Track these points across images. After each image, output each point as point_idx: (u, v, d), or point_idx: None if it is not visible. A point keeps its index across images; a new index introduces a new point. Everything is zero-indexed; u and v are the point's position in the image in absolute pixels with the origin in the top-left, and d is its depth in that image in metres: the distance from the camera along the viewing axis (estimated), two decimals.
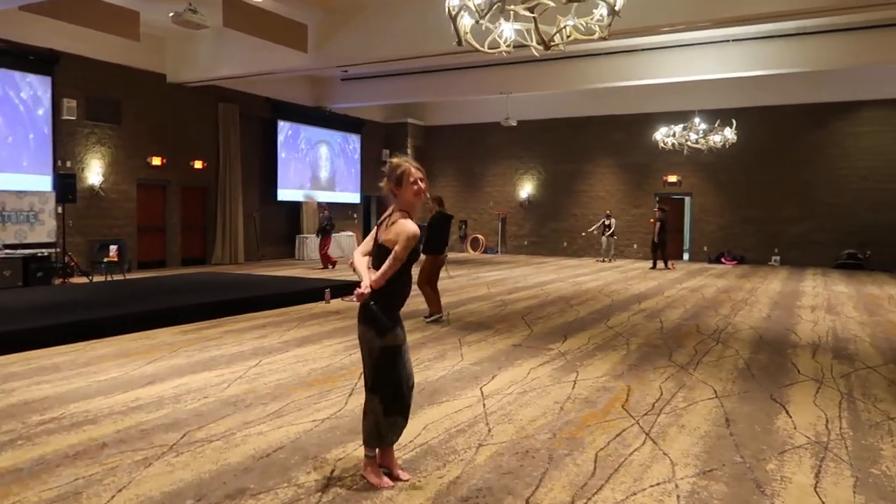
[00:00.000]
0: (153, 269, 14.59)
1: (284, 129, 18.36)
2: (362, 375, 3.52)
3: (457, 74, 17.64)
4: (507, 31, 7.10)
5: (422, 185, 3.41)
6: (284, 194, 18.43)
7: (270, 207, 18.27)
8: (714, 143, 15.60)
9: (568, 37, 6.89)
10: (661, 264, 16.83)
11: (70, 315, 7.26)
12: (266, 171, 18.09)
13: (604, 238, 19.14)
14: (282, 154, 18.27)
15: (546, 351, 6.59)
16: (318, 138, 19.59)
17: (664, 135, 15.79)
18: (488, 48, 7.26)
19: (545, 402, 4.80)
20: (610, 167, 20.76)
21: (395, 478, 3.37)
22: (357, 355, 6.23)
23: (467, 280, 13.51)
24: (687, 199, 19.94)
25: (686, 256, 19.96)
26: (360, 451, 3.70)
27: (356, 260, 3.46)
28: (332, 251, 16.36)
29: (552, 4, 6.15)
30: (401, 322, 3.38)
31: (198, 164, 16.07)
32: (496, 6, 6.04)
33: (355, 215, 21.65)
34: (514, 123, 18.84)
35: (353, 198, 21.15)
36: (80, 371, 5.59)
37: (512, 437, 4.03)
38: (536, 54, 7.51)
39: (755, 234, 18.92)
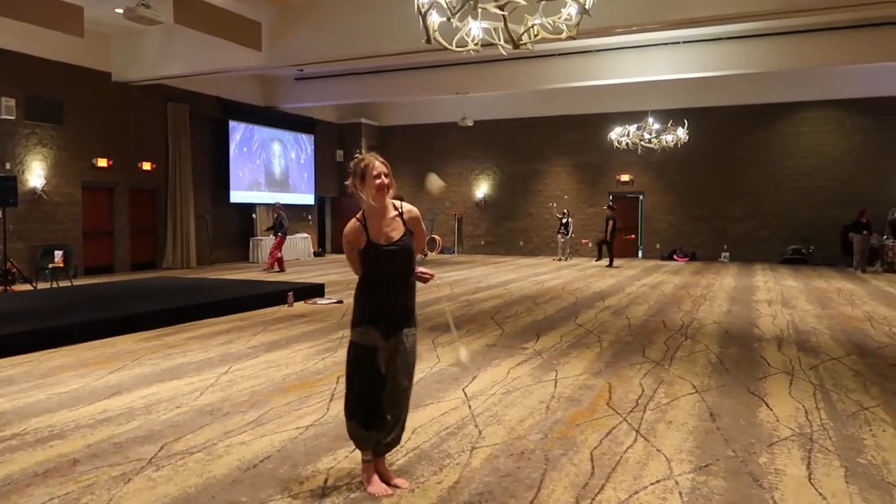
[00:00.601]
0: (101, 275, 14.02)
1: (236, 129, 17.91)
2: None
3: (412, 74, 17.55)
4: (475, 29, 7.02)
5: (385, 179, 3.21)
6: (237, 196, 17.99)
7: (223, 209, 17.81)
8: (667, 142, 15.91)
9: (535, 35, 6.87)
10: (607, 261, 17.11)
11: (21, 324, 6.87)
12: (217, 172, 17.61)
13: (559, 236, 19.35)
14: (234, 155, 17.82)
15: (521, 350, 6.56)
16: (270, 139, 19.19)
17: (619, 134, 16.02)
18: (456, 47, 7.18)
19: (530, 401, 4.76)
20: (565, 166, 20.99)
21: (391, 485, 3.26)
22: (330, 359, 6.12)
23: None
24: (640, 197, 20.29)
25: (640, 254, 20.30)
26: (351, 459, 3.59)
27: None
28: (286, 254, 16.00)
29: (523, 3, 6.14)
30: (378, 322, 3.22)
31: (146, 166, 15.53)
32: (468, 4, 5.94)
33: (309, 217, 21.30)
34: (471, 123, 18.86)
35: (307, 199, 20.80)
36: (37, 383, 5.28)
37: (504, 439, 3.96)
38: (504, 53, 7.47)
39: (705, 231, 19.41)
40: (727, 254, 19.04)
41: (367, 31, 12.23)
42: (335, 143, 22.33)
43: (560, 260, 19.09)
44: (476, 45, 7.14)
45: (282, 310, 9.35)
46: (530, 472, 3.47)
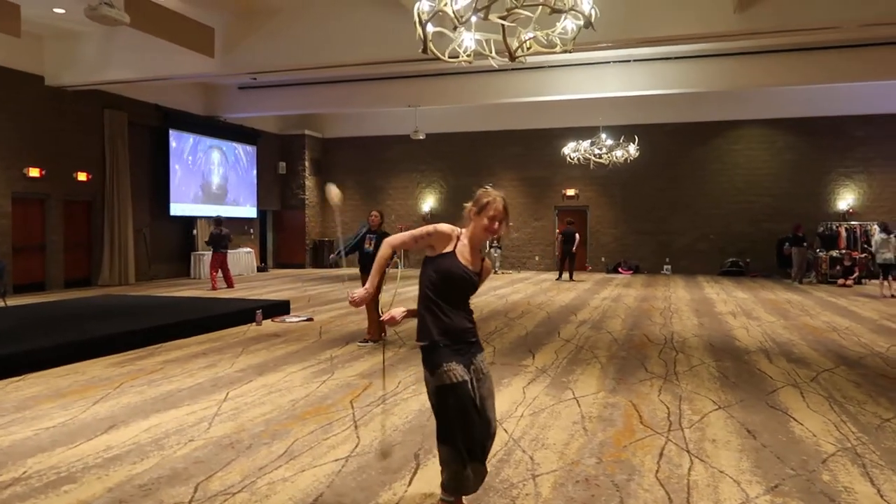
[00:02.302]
0: (32, 294, 13.01)
1: (176, 138, 17.09)
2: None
3: (362, 86, 17.27)
4: (467, 40, 6.89)
5: (496, 225, 3.07)
6: (177, 208, 17.14)
7: (162, 222, 16.92)
8: (616, 158, 16.25)
9: (528, 48, 6.80)
10: (566, 275, 17.26)
11: None
12: (157, 183, 16.74)
13: (491, 249, 19.42)
14: (174, 166, 16.99)
15: (522, 368, 6.42)
16: (211, 149, 18.42)
17: (571, 149, 16.25)
18: (448, 58, 7.04)
19: (563, 423, 4.62)
20: (511, 181, 21.10)
21: None
22: (332, 382, 5.78)
23: (385, 296, 13.11)
24: (586, 211, 20.64)
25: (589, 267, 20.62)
26: (411, 491, 3.35)
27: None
28: (231, 269, 15.28)
29: (529, 14, 6.07)
30: (458, 353, 2.99)
31: (81, 176, 14.57)
32: (480, 12, 5.80)
33: (251, 230, 20.55)
34: (423, 136, 18.71)
35: (249, 212, 20.07)
36: (14, 417, 4.74)
37: (559, 465, 3.80)
38: (494, 65, 7.39)
39: (647, 244, 19.92)
40: (669, 266, 19.60)
41: (325, 41, 11.91)
42: (277, 155, 21.69)
43: (496, 273, 19.15)
44: (469, 56, 7.01)
45: (251, 328, 8.88)
46: (606, 500, 3.32)
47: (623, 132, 17.05)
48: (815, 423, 4.61)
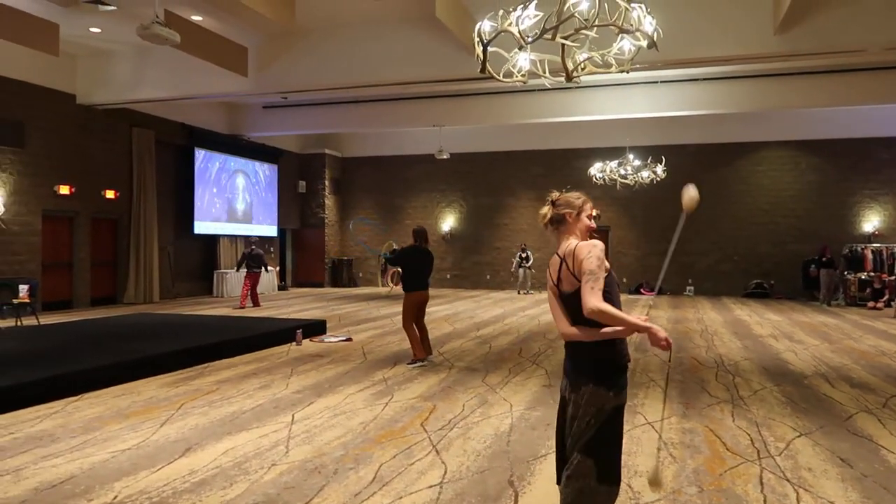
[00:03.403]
0: (60, 311, 12.96)
1: (201, 157, 17.13)
2: (566, 434, 3.01)
3: (384, 105, 17.34)
4: (521, 60, 6.86)
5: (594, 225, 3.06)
6: (201, 227, 17.13)
7: (186, 241, 16.91)
8: (642, 178, 16.22)
9: (582, 69, 6.78)
10: None
11: (26, 370, 6.11)
12: (182, 201, 16.75)
13: (521, 270, 19.36)
14: (198, 183, 17.01)
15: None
16: (234, 168, 18.46)
17: (598, 169, 16.22)
18: (503, 77, 7.02)
19: (647, 449, 4.50)
20: (531, 201, 21.06)
21: None
22: (395, 404, 5.63)
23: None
24: (607, 232, 20.58)
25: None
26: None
27: (611, 310, 2.86)
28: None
29: (595, 35, 6.05)
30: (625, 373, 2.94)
31: (109, 194, 14.60)
32: (549, 32, 5.76)
33: (272, 249, 20.51)
34: (447, 156, 18.73)
35: (270, 230, 20.05)
36: (85, 438, 4.65)
37: (661, 494, 3.69)
38: (547, 84, 7.36)
39: (670, 265, 19.73)
40: (692, 287, 19.48)
41: (357, 61, 11.96)
42: (297, 174, 21.72)
43: (519, 293, 19.06)
44: (523, 76, 6.99)
45: (292, 348, 8.79)
46: None
47: (646, 153, 17.04)
48: None
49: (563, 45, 6.19)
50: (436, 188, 21.94)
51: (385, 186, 22.32)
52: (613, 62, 6.67)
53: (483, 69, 6.55)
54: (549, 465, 4.15)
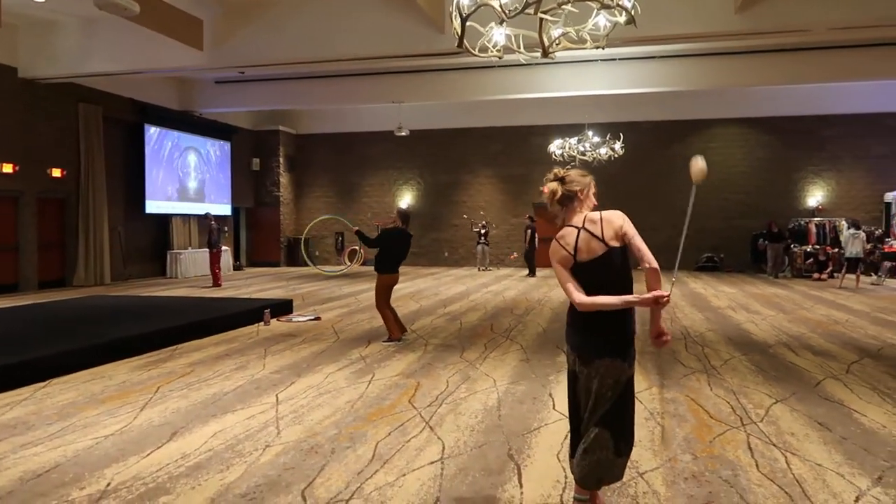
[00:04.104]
0: (5, 295, 12.42)
1: (152, 134, 16.53)
2: (581, 407, 3.03)
3: (343, 81, 17.02)
4: (497, 35, 6.80)
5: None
6: (152, 206, 16.58)
7: (137, 221, 16.36)
8: (601, 155, 16.41)
9: (558, 45, 6.78)
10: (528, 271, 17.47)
11: None
12: (132, 180, 16.16)
13: (479, 247, 19.46)
14: (149, 162, 16.43)
15: (563, 365, 6.39)
16: (186, 145, 17.88)
17: (558, 146, 16.34)
18: (478, 52, 6.96)
19: (636, 418, 4.59)
20: (489, 178, 21.14)
21: None
22: (379, 383, 5.60)
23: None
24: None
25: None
26: (528, 493, 3.28)
27: (597, 300, 2.90)
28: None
29: (575, 10, 6.05)
30: None
31: (56, 173, 13.98)
32: (529, 7, 5.72)
33: (226, 228, 19.99)
34: (407, 133, 18.57)
35: (224, 209, 19.54)
36: (62, 425, 4.48)
37: (659, 462, 3.77)
38: (522, 60, 7.33)
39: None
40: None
41: (319, 36, 11.70)
42: (251, 152, 21.21)
43: (479, 270, 19.18)
44: (498, 51, 6.94)
45: (261, 328, 8.64)
46: (726, 496, 3.30)
47: (603, 129, 17.25)
48: (878, 415, 4.71)
49: (541, 19, 6.17)
50: (393, 165, 21.76)
51: (341, 164, 22.02)
52: (588, 38, 6.68)
53: (460, 44, 6.47)
54: (543, 438, 4.20)
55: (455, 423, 4.49)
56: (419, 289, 13.91)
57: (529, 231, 17.53)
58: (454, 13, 6.25)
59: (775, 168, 19.19)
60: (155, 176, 16.63)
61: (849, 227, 15.10)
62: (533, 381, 5.69)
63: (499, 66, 15.79)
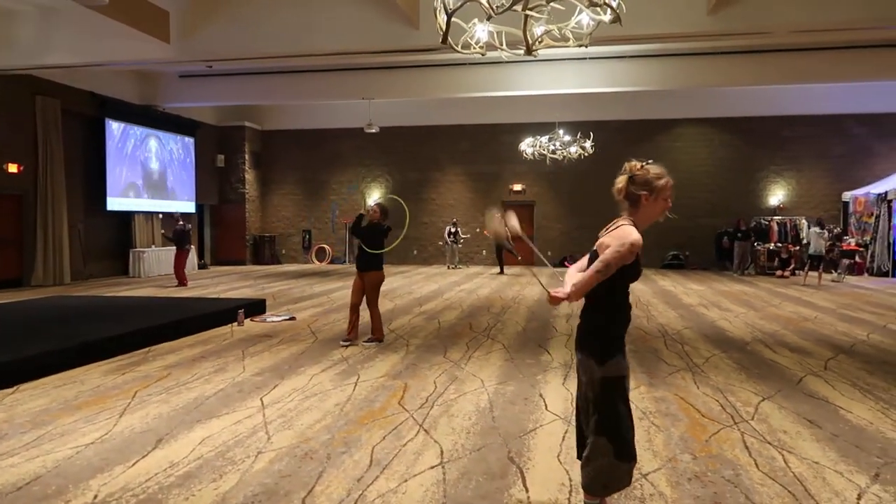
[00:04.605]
0: None
1: (112, 129, 16.04)
2: (581, 411, 3.02)
3: (311, 76, 16.77)
4: (479, 32, 6.75)
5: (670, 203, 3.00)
6: (114, 203, 16.11)
7: (98, 218, 15.87)
8: (570, 154, 16.50)
9: (540, 42, 6.75)
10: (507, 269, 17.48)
11: None
12: (92, 176, 15.67)
13: (449, 245, 19.40)
14: (110, 157, 15.94)
15: (546, 364, 6.37)
16: (149, 141, 17.40)
17: (528, 144, 16.37)
18: (461, 49, 6.89)
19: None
20: (458, 175, 21.11)
21: None
22: (366, 385, 5.49)
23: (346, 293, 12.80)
24: (533, 206, 20.88)
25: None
26: (534, 497, 3.22)
27: (568, 272, 2.97)
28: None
29: (561, 8, 6.02)
30: (624, 349, 2.95)
31: (12, 168, 13.47)
32: (518, 3, 5.66)
33: (189, 226, 19.52)
34: (377, 130, 18.38)
35: (187, 206, 19.09)
36: (38, 434, 4.27)
37: (660, 463, 3.76)
38: (504, 57, 7.28)
39: (592, 238, 20.12)
40: None
41: (290, 30, 11.45)
42: (216, 148, 20.77)
43: (449, 268, 19.14)
44: (481, 48, 6.88)
45: (234, 329, 8.43)
46: (731, 496, 3.30)
47: (572, 128, 17.30)
48: (863, 412, 4.79)
49: (525, 16, 6.12)
50: (361, 163, 21.55)
51: (308, 161, 21.73)
52: (571, 36, 6.67)
53: (444, 40, 6.39)
54: (541, 440, 4.15)
55: (449, 426, 4.41)
56: (391, 287, 13.78)
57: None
58: (439, 9, 6.17)
59: (738, 167, 19.57)
60: (117, 172, 16.15)
61: (814, 226, 15.45)
62: (521, 382, 5.65)
63: (470, 64, 15.76)
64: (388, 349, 7.12)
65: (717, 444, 4.08)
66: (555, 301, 2.81)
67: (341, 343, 7.28)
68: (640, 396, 5.17)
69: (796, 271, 17.15)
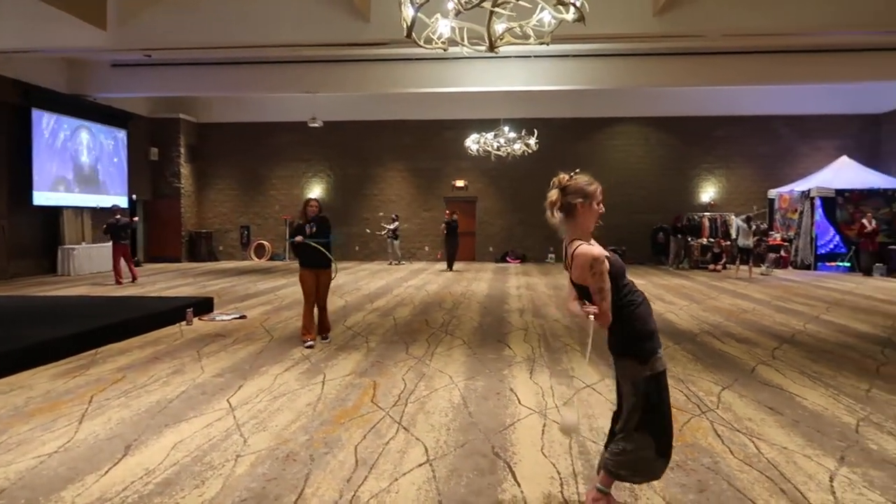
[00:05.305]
0: None
1: (40, 119, 15.20)
2: (616, 416, 3.06)
3: (254, 69, 16.35)
4: (442, 27, 6.74)
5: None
6: (40, 198, 15.27)
7: (22, 214, 15.01)
8: (514, 150, 16.68)
9: (501, 39, 6.81)
10: (456, 265, 17.54)
11: None
12: (17, 169, 14.80)
13: (389, 241, 19.29)
14: (37, 150, 15.11)
15: (510, 359, 6.43)
16: (78, 132, 16.58)
17: (474, 141, 16.45)
18: (423, 44, 6.88)
19: (606, 408, 4.69)
20: (400, 171, 21.02)
21: None
22: (334, 383, 5.43)
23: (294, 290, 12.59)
24: (474, 202, 21.00)
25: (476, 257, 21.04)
26: (528, 491, 3.26)
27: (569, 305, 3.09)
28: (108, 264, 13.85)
29: (528, 5, 6.08)
30: (660, 344, 2.99)
31: None
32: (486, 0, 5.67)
33: (125, 219, 18.71)
34: (320, 124, 18.09)
35: (120, 201, 18.26)
36: None
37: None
38: (465, 53, 7.29)
39: (532, 234, 20.68)
40: (552, 255, 20.48)
41: (231, 19, 11.13)
42: (149, 140, 19.97)
43: (391, 264, 19.05)
44: (443, 43, 6.89)
45: (184, 328, 8.15)
46: (715, 484, 3.42)
47: (514, 126, 17.49)
48: (816, 398, 5.04)
49: (490, 12, 6.14)
50: (301, 157, 21.17)
51: (247, 155, 21.19)
52: (532, 34, 6.75)
53: (409, 34, 6.35)
54: (522, 434, 4.19)
55: (428, 423, 4.40)
56: (338, 284, 13.60)
57: (447, 225, 17.51)
58: (405, 2, 6.14)
59: (673, 165, 20.24)
60: (45, 165, 15.31)
61: (743, 222, 16.12)
62: (489, 377, 5.68)
63: (415, 60, 15.71)
64: (349, 347, 7.04)
65: (690, 433, 4.21)
66: (588, 314, 2.82)
67: (307, 346, 7.05)
68: (607, 389, 5.28)
69: (727, 265, 17.89)
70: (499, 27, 6.60)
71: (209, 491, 3.32)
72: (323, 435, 4.17)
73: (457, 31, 6.76)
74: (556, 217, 3.04)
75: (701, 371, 5.92)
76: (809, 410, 4.70)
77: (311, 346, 6.95)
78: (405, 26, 6.20)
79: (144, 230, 20.28)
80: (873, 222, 16.14)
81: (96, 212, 16.88)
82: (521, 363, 6.23)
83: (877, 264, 16.07)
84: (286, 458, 3.76)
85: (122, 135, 18.32)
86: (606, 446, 3.07)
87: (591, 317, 2.82)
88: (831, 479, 3.47)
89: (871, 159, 18.93)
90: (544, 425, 4.34)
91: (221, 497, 3.25)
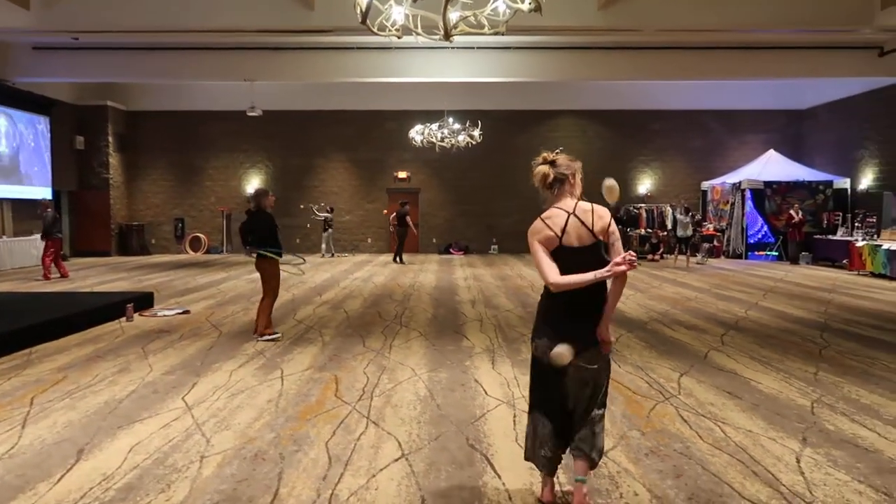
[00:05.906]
0: None
1: None
2: (570, 398, 3.01)
3: (189, 54, 15.72)
4: (395, 14, 6.63)
5: None
6: None
7: None
8: (458, 142, 16.66)
9: (455, 27, 6.75)
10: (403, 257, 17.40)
11: None
12: None
13: (324, 234, 18.92)
14: None
15: (469, 350, 6.40)
16: None
17: (418, 132, 16.34)
18: (377, 31, 6.75)
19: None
20: (342, 162, 20.70)
21: None
22: (293, 378, 5.28)
23: (250, 284, 12.27)
24: (417, 194, 20.90)
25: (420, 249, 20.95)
26: (510, 482, 3.23)
27: (568, 279, 2.83)
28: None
29: None
30: None
31: None
32: None
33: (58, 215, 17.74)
34: (259, 113, 17.59)
35: (43, 192, 17.31)
36: None
37: (615, 442, 3.88)
38: (419, 41, 7.20)
39: (475, 225, 20.76)
40: (496, 246, 20.63)
41: (166, 2, 10.67)
42: (74, 128, 18.97)
43: (323, 257, 18.70)
44: (397, 30, 6.78)
45: (124, 324, 7.77)
46: (689, 468, 3.47)
47: (457, 117, 17.45)
48: (769, 381, 5.21)
49: (446, 1, 6.06)
50: (239, 147, 20.57)
51: (181, 144, 20.43)
52: (486, 23, 6.71)
53: (364, 20, 6.21)
54: (493, 425, 4.15)
55: (397, 417, 4.31)
56: (282, 277, 13.23)
57: (397, 216, 17.23)
58: None
59: (610, 157, 20.59)
60: None
61: (681, 213, 16.61)
62: (452, 369, 5.63)
63: (359, 49, 15.46)
64: (304, 341, 6.86)
65: (657, 419, 4.27)
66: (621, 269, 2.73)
67: (274, 338, 6.85)
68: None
69: (665, 255, 18.41)
70: (453, 16, 6.52)
71: (177, 495, 3.14)
72: (290, 432, 4.02)
73: (410, 18, 6.65)
74: (546, 192, 3.05)
75: (657, 358, 6.03)
76: (765, 394, 4.85)
77: (278, 338, 6.81)
78: (359, 12, 6.06)
79: (71, 223, 19.28)
80: (800, 213, 16.91)
81: (17, 204, 15.94)
82: (481, 354, 6.21)
83: (803, 253, 16.86)
84: (255, 458, 3.60)
85: (44, 122, 17.33)
86: (573, 435, 2.99)
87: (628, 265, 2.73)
88: (798, 461, 3.57)
89: (795, 153, 19.79)
90: (514, 416, 4.32)
91: (191, 501, 3.08)
